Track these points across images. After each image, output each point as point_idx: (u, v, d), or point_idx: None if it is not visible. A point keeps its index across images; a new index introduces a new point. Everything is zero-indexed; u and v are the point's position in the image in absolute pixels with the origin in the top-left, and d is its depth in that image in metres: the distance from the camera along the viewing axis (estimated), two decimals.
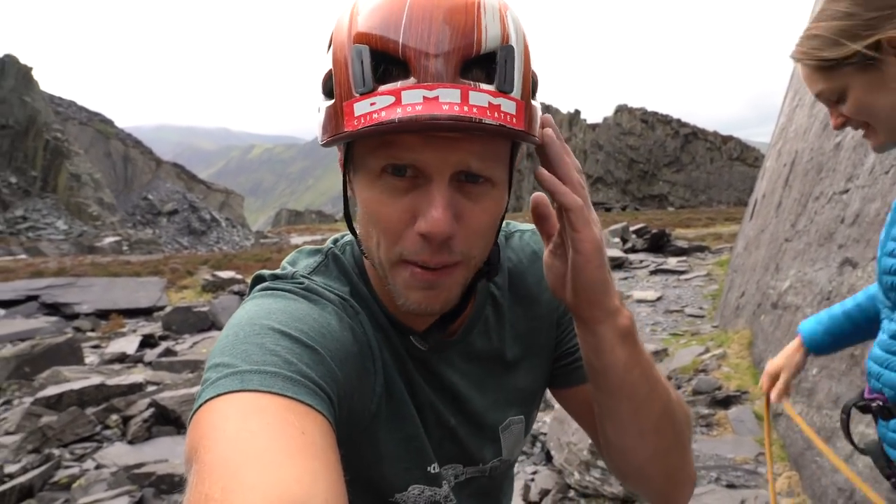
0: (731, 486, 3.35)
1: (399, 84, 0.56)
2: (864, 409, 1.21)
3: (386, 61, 0.57)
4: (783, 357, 1.52)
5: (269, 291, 0.66)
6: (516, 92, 0.58)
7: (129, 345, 8.87)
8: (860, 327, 1.40)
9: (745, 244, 7.80)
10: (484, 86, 0.56)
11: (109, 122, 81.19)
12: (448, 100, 0.55)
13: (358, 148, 0.63)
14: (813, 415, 3.32)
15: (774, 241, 5.67)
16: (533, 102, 0.62)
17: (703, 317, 8.10)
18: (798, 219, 4.84)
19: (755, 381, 4.70)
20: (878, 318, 1.29)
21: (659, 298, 9.60)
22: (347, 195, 0.69)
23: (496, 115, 0.56)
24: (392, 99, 0.55)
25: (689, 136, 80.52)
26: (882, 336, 1.19)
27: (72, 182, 57.56)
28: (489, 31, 0.57)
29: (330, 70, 0.61)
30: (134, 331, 10.71)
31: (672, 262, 13.73)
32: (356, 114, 0.57)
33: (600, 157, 79.69)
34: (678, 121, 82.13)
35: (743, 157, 79.26)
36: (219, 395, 0.50)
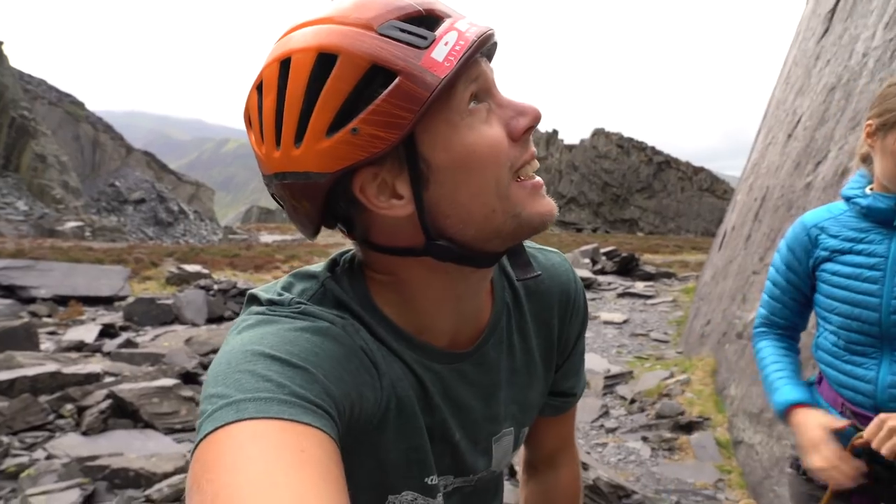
0: None
1: (447, 23, 0.62)
2: None
3: (414, 23, 0.61)
4: (815, 432, 1.38)
5: (263, 317, 0.66)
6: None
7: (87, 333, 8.61)
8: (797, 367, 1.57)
9: (713, 274, 7.98)
10: None
11: (80, 105, 79.18)
12: (476, 21, 0.64)
13: (437, 110, 0.61)
14: (773, 445, 3.41)
15: (742, 273, 5.82)
16: None
17: (667, 342, 8.24)
18: (767, 252, 4.99)
19: (718, 408, 4.80)
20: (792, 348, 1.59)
21: (625, 321, 9.75)
22: (422, 200, 0.64)
23: None
24: (455, 33, 0.61)
25: (663, 164, 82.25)
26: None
27: (36, 163, 55.87)
28: None
29: (355, 79, 0.59)
30: (93, 319, 10.41)
31: (639, 286, 13.96)
32: (440, 58, 0.60)
33: (575, 177, 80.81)
34: (652, 148, 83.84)
35: (713, 188, 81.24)
36: (217, 429, 0.51)
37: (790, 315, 1.58)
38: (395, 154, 0.62)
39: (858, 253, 1.40)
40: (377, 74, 0.59)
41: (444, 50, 0.60)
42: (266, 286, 0.73)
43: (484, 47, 0.63)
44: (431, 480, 0.76)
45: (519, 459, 1.09)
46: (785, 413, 1.46)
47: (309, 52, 0.60)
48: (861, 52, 4.15)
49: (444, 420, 0.76)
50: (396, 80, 0.58)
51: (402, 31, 0.60)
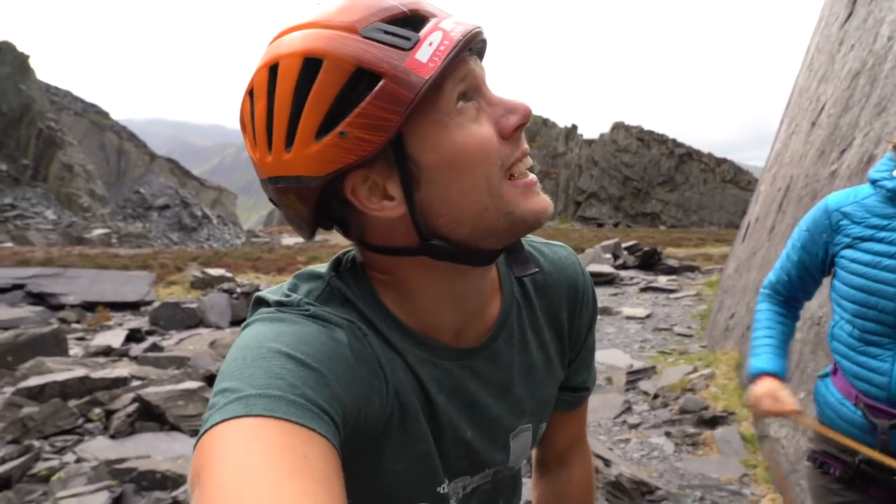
0: None
1: (430, 24, 0.61)
2: None
3: (398, 24, 0.61)
4: (771, 386, 1.54)
5: (275, 315, 0.66)
6: None
7: (114, 338, 8.79)
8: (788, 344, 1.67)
9: (737, 266, 7.86)
10: None
11: (105, 114, 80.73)
12: (463, 20, 0.63)
13: (423, 111, 0.61)
14: (799, 438, 3.34)
15: (766, 265, 5.72)
16: None
17: (691, 336, 8.13)
18: None
19: (742, 402, 4.72)
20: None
21: (648, 316, 9.64)
22: (413, 201, 0.64)
23: None
24: (440, 33, 0.61)
25: (684, 156, 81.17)
26: None
27: (63, 172, 57.15)
28: None
29: (341, 83, 0.59)
30: (120, 324, 10.62)
31: (662, 280, 13.81)
32: (424, 59, 0.59)
33: (595, 172, 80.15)
34: (674, 141, 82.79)
35: (736, 179, 79.96)
36: (224, 421, 0.51)
37: (794, 290, 1.64)
38: (384, 156, 0.62)
39: (880, 241, 1.36)
40: (362, 77, 0.59)
41: (428, 50, 0.59)
42: (272, 289, 0.73)
43: (471, 46, 0.63)
44: (443, 489, 0.76)
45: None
46: (755, 379, 1.57)
47: (295, 57, 0.60)
48: (886, 35, 4.04)
49: (452, 421, 0.75)
50: (381, 83, 0.58)
51: (387, 32, 0.60)
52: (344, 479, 0.52)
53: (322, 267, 0.76)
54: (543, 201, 0.68)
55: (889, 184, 1.36)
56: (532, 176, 0.68)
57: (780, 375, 1.55)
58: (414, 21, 0.61)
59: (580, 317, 0.88)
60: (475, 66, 0.65)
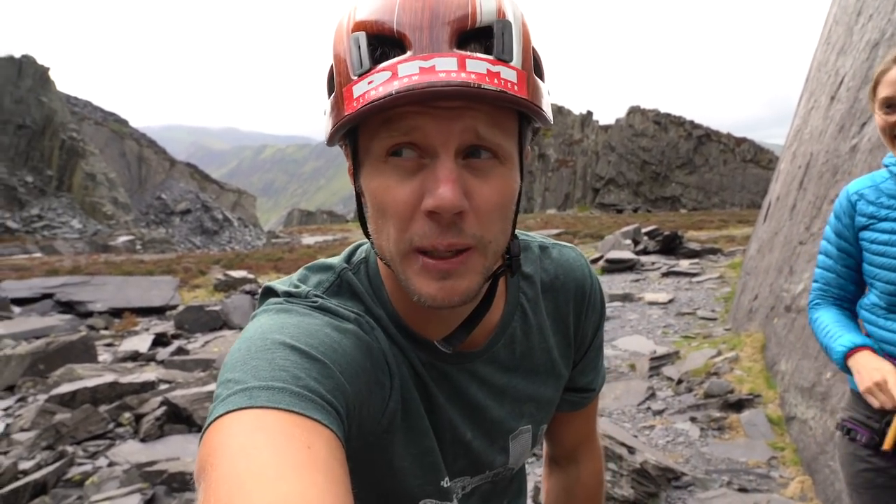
0: (742, 489, 3.32)
1: (395, 59, 0.56)
2: None
3: (383, 44, 0.58)
4: (877, 369, 1.37)
5: (282, 306, 0.66)
6: (516, 62, 0.58)
7: (141, 343, 8.94)
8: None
9: (759, 247, 7.73)
10: (481, 55, 0.56)
11: (124, 122, 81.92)
12: (445, 67, 0.54)
13: (362, 137, 0.62)
14: (826, 419, 3.28)
15: (788, 244, 5.62)
16: (536, 78, 0.61)
17: (715, 319, 8.02)
18: (812, 221, 4.79)
19: (768, 384, 4.65)
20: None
21: (671, 301, 9.53)
22: (361, 199, 0.66)
23: (496, 81, 0.55)
24: (389, 74, 0.55)
25: (703, 137, 79.90)
26: None
27: (87, 181, 58.15)
28: (484, 5, 0.58)
29: (332, 66, 0.62)
30: (147, 329, 10.80)
31: (684, 264, 13.63)
32: (355, 95, 0.57)
33: (612, 158, 79.29)
34: (691, 122, 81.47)
35: (756, 159, 78.51)
36: (228, 413, 0.51)
37: (844, 283, 1.59)
38: (345, 144, 0.66)
39: (894, 220, 1.43)
40: None
41: (362, 88, 0.57)
42: (282, 280, 0.73)
43: (428, 100, 0.56)
44: (445, 483, 0.76)
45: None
46: (846, 358, 1.44)
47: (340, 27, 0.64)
48: None
49: (451, 420, 0.75)
50: (332, 96, 0.62)
51: (359, 48, 0.58)
52: (352, 474, 0.52)
53: (336, 258, 0.76)
54: (432, 288, 0.60)
55: (895, 168, 1.45)
56: (442, 261, 0.60)
57: (872, 348, 1.43)
58: (399, 44, 0.57)
59: (586, 319, 0.87)
60: (434, 122, 0.57)
